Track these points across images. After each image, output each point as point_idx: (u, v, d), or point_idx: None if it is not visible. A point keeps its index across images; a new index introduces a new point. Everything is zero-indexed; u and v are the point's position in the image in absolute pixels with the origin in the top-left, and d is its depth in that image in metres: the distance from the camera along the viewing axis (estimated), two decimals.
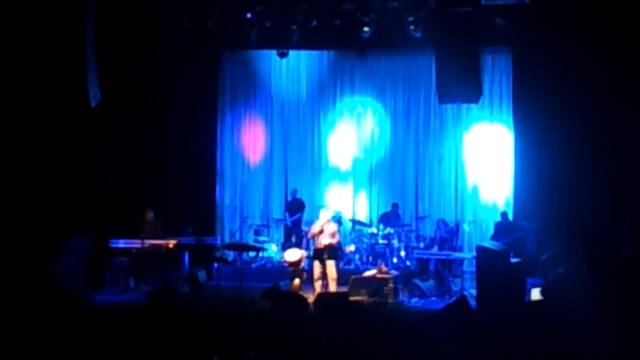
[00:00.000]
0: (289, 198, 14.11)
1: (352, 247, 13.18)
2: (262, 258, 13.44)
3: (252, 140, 14.76)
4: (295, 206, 13.75)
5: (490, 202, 13.91)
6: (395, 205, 13.65)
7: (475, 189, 14.05)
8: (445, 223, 12.58)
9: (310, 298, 10.28)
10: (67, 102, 11.14)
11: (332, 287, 10.69)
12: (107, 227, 11.50)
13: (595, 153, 11.60)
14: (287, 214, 13.87)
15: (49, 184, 11.06)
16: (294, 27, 12.45)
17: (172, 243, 11.86)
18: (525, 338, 7.04)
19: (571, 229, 10.69)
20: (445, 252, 11.64)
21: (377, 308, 10.28)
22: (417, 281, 11.17)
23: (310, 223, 12.19)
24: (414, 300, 10.87)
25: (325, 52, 14.33)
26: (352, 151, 14.52)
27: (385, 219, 13.43)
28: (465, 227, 13.22)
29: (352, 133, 14.52)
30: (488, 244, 11.44)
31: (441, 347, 6.83)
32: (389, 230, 12.87)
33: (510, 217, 12.93)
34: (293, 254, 11.67)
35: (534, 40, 12.31)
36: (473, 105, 13.30)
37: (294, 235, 13.59)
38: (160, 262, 11.78)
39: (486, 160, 14.01)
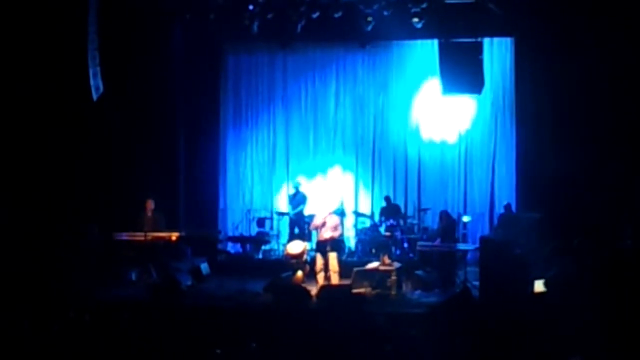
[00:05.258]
0: (292, 191, 14.09)
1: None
2: (265, 250, 13.43)
3: (254, 132, 14.74)
4: (297, 199, 13.73)
5: (494, 194, 13.88)
6: (386, 199, 13.64)
7: (478, 181, 14.03)
8: (448, 215, 12.54)
9: (313, 290, 10.31)
10: (70, 95, 11.13)
11: (334, 279, 10.69)
12: (110, 220, 11.50)
13: (599, 145, 11.57)
14: (290, 207, 13.86)
15: (51, 178, 11.06)
16: (295, 19, 12.41)
17: (174, 235, 11.83)
18: (527, 330, 7.05)
19: (575, 221, 10.67)
20: (448, 244, 11.61)
21: (380, 300, 10.28)
22: (419, 273, 11.15)
23: (313, 216, 12.20)
24: (417, 292, 10.84)
25: (328, 44, 14.28)
26: (355, 143, 14.50)
27: (386, 212, 13.41)
28: (467, 219, 13.19)
29: (354, 125, 14.49)
30: (491, 235, 11.44)
31: (444, 338, 6.83)
32: (391, 222, 12.85)
33: (514, 209, 12.89)
34: (295, 247, 11.65)
35: (536, 30, 12.27)
36: (475, 96, 13.23)
37: (297, 227, 13.58)
38: (163, 255, 11.76)
39: (489, 151, 13.97)
